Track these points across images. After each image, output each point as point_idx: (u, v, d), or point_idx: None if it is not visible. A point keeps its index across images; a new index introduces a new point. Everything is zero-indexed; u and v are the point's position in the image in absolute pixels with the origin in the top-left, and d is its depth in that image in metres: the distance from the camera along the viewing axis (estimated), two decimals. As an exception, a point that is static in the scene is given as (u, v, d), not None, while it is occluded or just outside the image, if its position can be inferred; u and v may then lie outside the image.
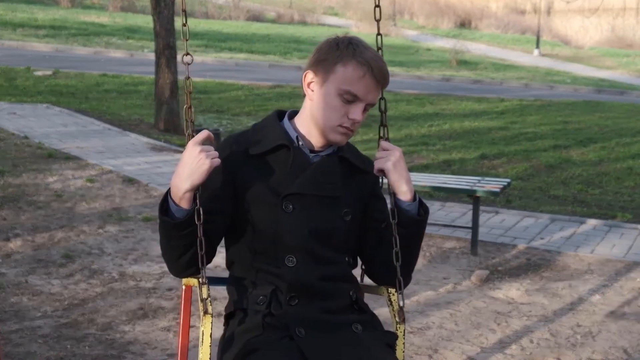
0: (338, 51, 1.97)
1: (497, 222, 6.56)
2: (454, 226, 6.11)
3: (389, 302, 2.14)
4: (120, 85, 13.71)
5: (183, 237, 1.91)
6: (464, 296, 4.78)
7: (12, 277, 4.62)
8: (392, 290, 2.12)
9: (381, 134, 2.11)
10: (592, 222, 6.64)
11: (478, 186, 5.64)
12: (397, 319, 2.08)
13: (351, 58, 1.95)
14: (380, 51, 2.06)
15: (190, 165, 1.87)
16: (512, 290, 4.91)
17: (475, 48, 30.57)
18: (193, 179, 1.87)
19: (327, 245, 2.03)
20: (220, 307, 3.98)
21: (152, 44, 11.50)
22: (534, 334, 4.20)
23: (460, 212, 6.84)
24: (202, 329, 1.90)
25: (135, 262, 5.04)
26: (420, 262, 5.44)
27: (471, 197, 5.68)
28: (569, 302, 4.71)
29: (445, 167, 9.18)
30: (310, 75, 2.02)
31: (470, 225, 5.71)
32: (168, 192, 1.93)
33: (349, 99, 1.97)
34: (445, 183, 5.84)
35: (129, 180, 6.92)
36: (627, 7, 40.64)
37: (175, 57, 10.06)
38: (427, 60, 26.58)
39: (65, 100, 11.47)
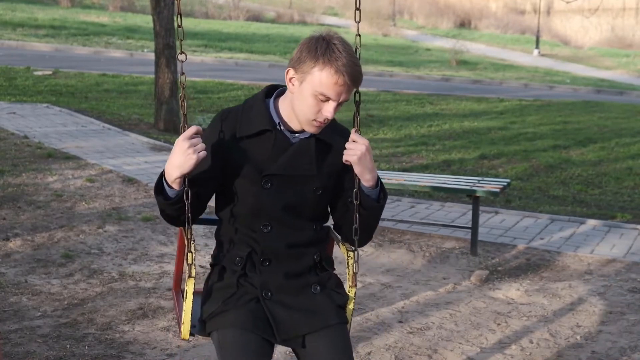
0: (316, 55, 2.19)
1: (496, 222, 6.56)
2: (454, 226, 6.11)
3: (347, 266, 2.43)
4: (120, 85, 13.71)
5: (176, 210, 2.24)
6: (464, 296, 4.78)
7: (12, 276, 4.62)
8: (351, 254, 2.40)
9: (354, 125, 2.33)
10: (591, 223, 6.65)
11: (478, 186, 5.64)
12: (350, 283, 2.41)
13: (327, 64, 2.18)
14: (357, 51, 2.27)
15: (180, 158, 2.13)
16: (511, 291, 4.91)
17: (475, 48, 30.58)
18: (182, 169, 2.14)
19: (298, 216, 2.35)
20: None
21: (151, 44, 11.51)
22: (534, 334, 4.20)
23: (459, 212, 6.84)
24: (186, 288, 2.31)
25: (134, 261, 5.04)
26: (420, 262, 5.45)
27: (471, 197, 5.68)
28: (569, 303, 4.71)
29: (444, 167, 9.18)
30: (291, 72, 2.25)
31: (469, 225, 5.71)
32: (162, 175, 2.22)
33: (322, 99, 2.22)
34: (445, 183, 5.84)
35: (129, 180, 6.92)
36: (626, 7, 40.66)
37: (175, 57, 10.06)
38: (426, 60, 26.59)
39: (65, 100, 11.47)
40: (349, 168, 2.32)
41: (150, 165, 7.64)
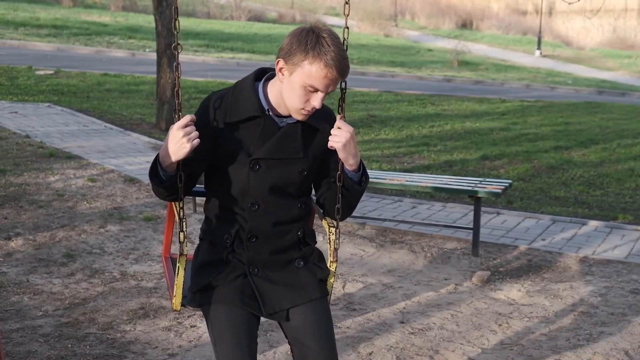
0: (306, 49, 2.25)
1: (498, 223, 6.56)
2: (455, 227, 6.11)
3: (328, 241, 2.60)
4: (121, 84, 13.71)
5: (168, 189, 2.36)
6: (465, 297, 4.78)
7: (13, 276, 4.62)
8: (332, 230, 2.56)
9: (339, 111, 2.45)
10: (593, 224, 6.64)
11: (479, 187, 5.64)
12: (331, 258, 2.56)
13: (316, 58, 2.24)
14: (345, 42, 2.35)
15: (174, 146, 2.23)
16: (513, 291, 4.91)
17: (477, 49, 30.57)
18: (176, 156, 2.24)
19: (284, 195, 2.45)
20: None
21: (153, 44, 11.52)
22: (535, 335, 4.20)
23: (461, 213, 6.84)
24: (178, 264, 2.45)
25: (136, 261, 5.04)
26: (421, 262, 5.44)
27: (472, 198, 5.68)
28: (570, 304, 4.71)
29: (446, 167, 9.18)
30: (281, 63, 2.32)
31: (471, 226, 5.71)
32: (157, 159, 2.31)
33: (311, 90, 2.30)
34: (447, 184, 5.84)
35: (130, 180, 6.92)
36: (628, 8, 40.63)
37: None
38: (428, 60, 26.58)
39: (67, 100, 11.47)
40: (333, 151, 2.42)
41: (152, 165, 7.63)
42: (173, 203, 2.62)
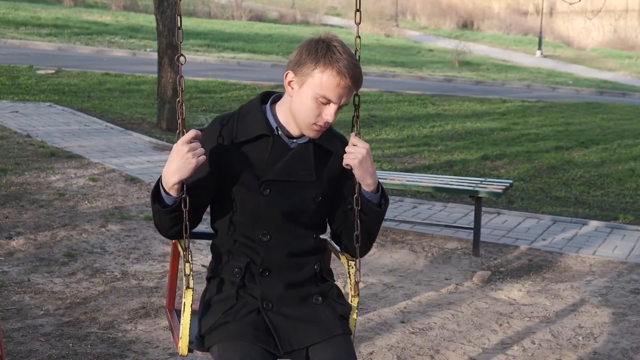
0: (317, 57, 2.15)
1: (499, 223, 6.56)
2: (456, 227, 6.12)
3: (348, 275, 2.41)
4: (122, 84, 13.72)
5: (172, 219, 2.19)
6: (466, 297, 4.78)
7: (15, 275, 4.62)
8: (352, 264, 2.38)
9: (353, 128, 2.30)
10: (593, 224, 6.64)
11: (480, 187, 5.64)
12: (352, 293, 2.37)
13: (328, 66, 2.14)
14: (357, 53, 2.23)
15: (178, 163, 2.08)
16: (513, 291, 4.91)
17: (478, 49, 30.57)
18: (181, 174, 2.09)
19: (298, 224, 2.30)
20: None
21: (154, 43, 11.54)
22: (536, 335, 4.20)
23: (462, 213, 6.84)
24: (184, 300, 2.22)
25: (137, 261, 5.05)
26: (422, 262, 5.45)
27: (473, 198, 5.68)
28: (571, 304, 4.71)
29: (447, 167, 9.18)
30: (290, 75, 2.22)
31: (472, 226, 5.71)
32: (159, 181, 2.16)
33: (323, 102, 2.18)
34: (448, 184, 5.85)
35: (131, 179, 6.93)
36: (629, 8, 40.63)
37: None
38: (429, 60, 26.59)
39: (68, 99, 11.48)
40: (348, 174, 2.30)
41: (153, 164, 7.64)
42: (177, 241, 2.40)
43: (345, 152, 2.24)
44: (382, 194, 2.31)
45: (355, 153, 2.21)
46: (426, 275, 5.19)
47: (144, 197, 6.46)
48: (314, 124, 2.21)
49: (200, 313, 2.33)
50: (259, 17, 33.24)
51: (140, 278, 4.73)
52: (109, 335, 3.88)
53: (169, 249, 5.27)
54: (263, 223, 2.26)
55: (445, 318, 4.39)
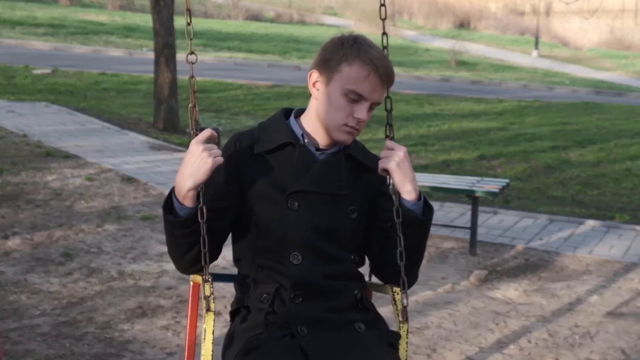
0: (343, 50, 1.97)
1: (495, 223, 6.57)
2: (453, 226, 6.12)
3: (393, 302, 2.12)
4: (119, 84, 13.71)
5: (187, 235, 1.92)
6: (463, 296, 4.79)
7: (11, 275, 4.62)
8: (397, 290, 2.10)
9: (387, 133, 2.09)
10: (590, 223, 6.65)
11: (477, 186, 5.65)
12: (400, 318, 2.08)
13: (356, 57, 1.95)
14: (385, 50, 2.06)
15: (193, 164, 1.86)
16: (510, 291, 4.92)
17: (474, 49, 30.58)
18: (196, 177, 1.86)
19: (333, 243, 2.03)
20: (227, 303, 3.99)
21: (151, 43, 11.51)
22: (532, 334, 4.21)
23: (458, 213, 6.85)
24: (204, 326, 1.92)
25: (134, 260, 5.04)
26: (419, 262, 5.44)
27: (470, 198, 5.69)
28: (567, 303, 4.72)
29: (444, 167, 9.19)
30: (315, 75, 2.02)
31: (469, 225, 5.72)
32: (172, 191, 1.93)
33: (354, 98, 1.97)
34: (444, 183, 5.85)
35: (128, 179, 6.92)
36: (625, 8, 40.70)
37: (174, 56, 10.05)
38: (425, 60, 26.59)
39: (64, 99, 11.46)
40: (385, 192, 2.09)
41: (150, 164, 7.64)
42: (198, 276, 2.05)
43: (381, 153, 2.02)
44: (425, 202, 2.04)
45: (392, 156, 1.98)
46: (423, 274, 5.18)
47: (140, 196, 6.46)
48: (345, 124, 1.99)
49: (224, 346, 2.04)
50: (256, 17, 33.21)
51: (137, 278, 4.73)
52: (105, 335, 3.88)
53: (165, 248, 5.27)
54: (292, 242, 1.98)
55: (442, 317, 4.40)
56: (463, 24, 39.56)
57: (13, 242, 5.16)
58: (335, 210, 2.03)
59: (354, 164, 2.08)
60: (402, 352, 2.07)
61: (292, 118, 2.11)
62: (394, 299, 2.12)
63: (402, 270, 2.01)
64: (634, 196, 8.25)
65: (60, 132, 8.85)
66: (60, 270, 4.77)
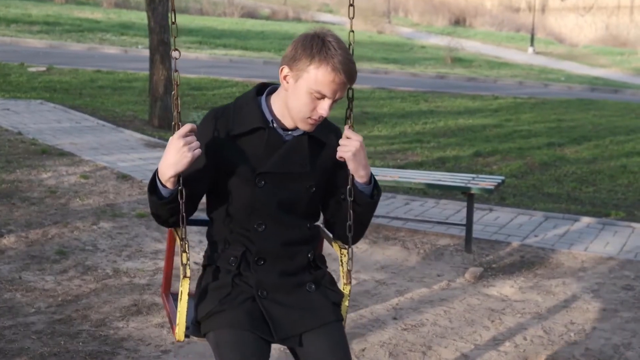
0: (312, 53, 2.18)
1: (491, 220, 6.57)
2: (448, 223, 6.12)
3: (340, 263, 2.47)
4: (114, 81, 13.68)
5: (168, 210, 2.25)
6: (458, 293, 4.79)
7: (6, 273, 4.61)
8: (345, 252, 2.44)
9: (347, 120, 2.35)
10: (585, 220, 6.66)
11: (472, 183, 5.65)
12: (344, 280, 2.43)
13: (323, 62, 2.17)
14: (351, 47, 2.28)
15: (174, 156, 2.14)
16: (505, 288, 4.92)
17: (470, 46, 30.59)
18: (177, 168, 2.15)
19: (292, 213, 2.35)
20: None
21: (146, 40, 11.51)
22: (528, 331, 4.21)
23: (454, 210, 6.85)
24: (181, 289, 2.29)
25: (129, 258, 5.03)
26: (414, 259, 5.45)
27: (465, 195, 5.69)
28: (563, 300, 4.73)
29: (439, 164, 9.19)
30: (286, 70, 2.25)
31: (464, 222, 5.72)
32: (156, 173, 2.22)
33: (318, 97, 2.22)
34: (440, 180, 5.85)
35: (123, 177, 6.91)
36: (621, 5, 40.73)
37: (169, 54, 10.02)
38: (421, 57, 26.60)
39: (59, 97, 11.43)
40: (342, 165, 2.34)
41: (145, 161, 7.63)
42: (174, 229, 2.47)
43: (339, 145, 2.30)
44: (375, 185, 2.37)
45: (349, 146, 2.27)
46: (418, 271, 5.20)
47: (135, 194, 6.45)
48: (309, 117, 2.26)
49: (197, 299, 2.38)
50: (251, 14, 33.19)
51: (132, 275, 4.72)
52: (100, 332, 3.87)
53: (161, 246, 5.27)
54: (258, 214, 2.31)
55: (437, 314, 4.40)
56: (459, 21, 39.58)
57: (8, 240, 5.15)
58: (297, 186, 2.34)
59: (316, 143, 2.37)
60: (343, 310, 2.43)
61: (264, 99, 2.36)
62: (341, 261, 2.46)
63: (349, 241, 2.38)
64: (629, 193, 8.27)
65: (55, 130, 8.83)
66: (55, 268, 4.76)
